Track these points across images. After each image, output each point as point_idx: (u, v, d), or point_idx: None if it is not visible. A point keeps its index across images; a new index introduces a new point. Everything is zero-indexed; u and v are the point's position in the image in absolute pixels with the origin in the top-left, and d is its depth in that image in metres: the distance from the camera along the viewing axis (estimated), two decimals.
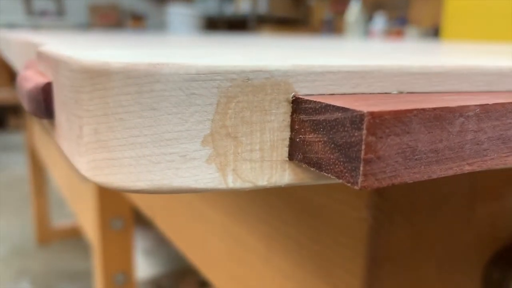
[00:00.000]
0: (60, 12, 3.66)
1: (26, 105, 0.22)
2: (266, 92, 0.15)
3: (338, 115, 0.14)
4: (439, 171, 0.15)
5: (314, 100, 0.15)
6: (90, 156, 0.15)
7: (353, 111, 0.13)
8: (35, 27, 3.36)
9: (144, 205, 0.70)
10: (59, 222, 1.71)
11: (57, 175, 1.21)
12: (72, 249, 1.62)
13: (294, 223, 0.36)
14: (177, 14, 2.86)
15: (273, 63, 0.15)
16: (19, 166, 2.37)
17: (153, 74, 0.14)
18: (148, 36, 0.55)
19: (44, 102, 0.21)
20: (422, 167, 0.14)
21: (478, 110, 0.15)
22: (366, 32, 2.43)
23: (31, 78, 0.23)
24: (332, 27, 3.24)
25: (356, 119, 0.13)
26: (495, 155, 0.16)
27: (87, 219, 1.01)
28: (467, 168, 0.15)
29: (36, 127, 1.37)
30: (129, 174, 0.15)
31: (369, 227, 0.29)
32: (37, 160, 1.57)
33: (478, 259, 0.37)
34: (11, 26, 3.21)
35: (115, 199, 0.93)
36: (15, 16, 3.45)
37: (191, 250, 0.54)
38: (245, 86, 0.15)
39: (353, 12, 2.29)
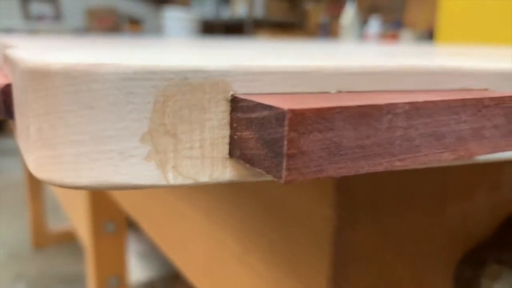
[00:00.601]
0: (57, 16, 3.67)
1: None
2: (204, 91, 0.16)
3: (266, 113, 0.14)
4: (367, 167, 0.15)
5: (248, 99, 0.15)
6: (35, 153, 0.16)
7: (277, 108, 0.14)
8: (32, 31, 3.37)
9: (131, 209, 0.71)
10: (55, 226, 1.72)
11: None
12: (68, 253, 1.62)
13: (266, 222, 0.36)
14: (174, 18, 2.87)
15: (212, 63, 0.16)
16: (16, 170, 2.38)
17: (90, 74, 0.15)
18: (129, 39, 0.56)
19: (4, 103, 0.21)
20: (349, 162, 0.15)
21: (407, 107, 0.15)
22: (362, 36, 2.43)
23: None
24: (328, 30, 3.25)
25: (279, 116, 0.14)
26: (429, 151, 0.16)
27: (81, 223, 1.02)
28: (398, 164, 0.16)
29: None
30: (70, 171, 0.15)
31: (333, 226, 0.29)
32: None
33: (449, 258, 0.37)
34: (8, 30, 3.22)
35: (108, 203, 0.94)
36: (12, 21, 3.46)
37: (173, 252, 0.55)
38: (183, 85, 0.16)
39: (348, 15, 2.30)
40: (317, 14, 3.45)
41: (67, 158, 0.15)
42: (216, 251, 0.44)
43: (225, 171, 0.17)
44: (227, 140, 0.17)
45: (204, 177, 0.17)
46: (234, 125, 0.16)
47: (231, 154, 0.17)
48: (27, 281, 1.42)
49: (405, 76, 0.19)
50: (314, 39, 2.93)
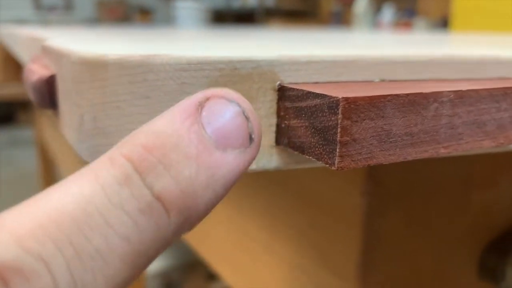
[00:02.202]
0: (68, 7, 3.68)
1: (31, 96, 0.23)
2: (253, 81, 0.16)
3: (317, 101, 0.15)
4: (414, 154, 0.15)
5: (297, 88, 0.16)
6: (89, 142, 0.17)
7: (330, 97, 0.14)
8: (44, 22, 3.39)
9: None
10: None
11: (66, 170, 1.23)
12: None
13: (294, 211, 0.37)
14: (184, 8, 2.87)
15: (260, 53, 0.16)
16: (28, 161, 2.40)
17: (146, 64, 0.15)
18: (153, 31, 0.57)
19: (48, 94, 0.22)
20: (397, 149, 0.15)
21: (452, 96, 0.16)
22: (374, 24, 2.42)
23: (36, 71, 0.24)
24: (341, 19, 3.23)
25: (332, 104, 0.14)
26: (470, 139, 0.17)
27: None
28: (442, 151, 0.16)
29: (45, 122, 1.39)
30: None
31: (363, 214, 0.30)
32: (46, 155, 1.59)
33: (473, 246, 0.37)
34: (20, 21, 3.24)
35: None
36: (23, 11, 3.48)
37: (197, 241, 0.56)
38: (233, 75, 0.16)
39: (361, 3, 2.28)
40: (329, 3, 3.43)
41: None
42: (242, 239, 0.44)
43: (271, 159, 0.17)
44: (274, 128, 0.17)
45: (251, 165, 0.17)
46: (282, 113, 0.17)
47: (277, 142, 0.17)
48: None
49: (444, 65, 0.19)
50: (327, 28, 2.92)
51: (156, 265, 1.31)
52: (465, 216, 0.36)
